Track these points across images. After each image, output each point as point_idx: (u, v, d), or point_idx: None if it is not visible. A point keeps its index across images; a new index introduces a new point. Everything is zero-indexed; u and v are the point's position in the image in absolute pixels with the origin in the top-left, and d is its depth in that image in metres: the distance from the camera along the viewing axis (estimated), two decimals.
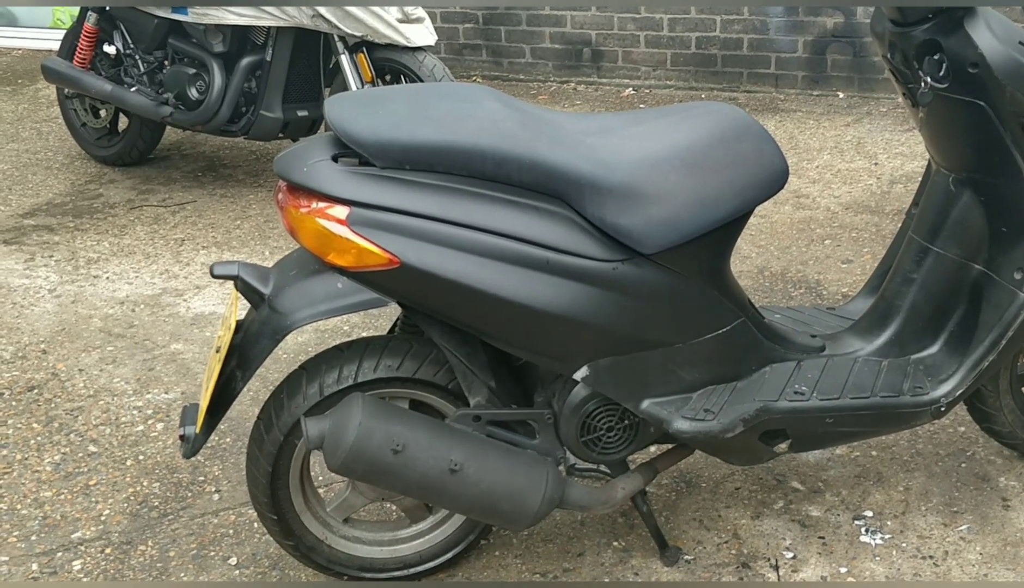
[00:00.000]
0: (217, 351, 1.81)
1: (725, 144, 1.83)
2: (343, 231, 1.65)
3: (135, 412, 2.69)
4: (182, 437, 1.80)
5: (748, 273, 3.35)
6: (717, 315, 1.88)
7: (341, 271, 1.71)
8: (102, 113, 4.59)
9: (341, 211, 1.66)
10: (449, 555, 2.03)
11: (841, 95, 5.27)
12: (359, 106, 1.73)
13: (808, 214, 3.82)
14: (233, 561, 2.13)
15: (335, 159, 1.70)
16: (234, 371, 1.79)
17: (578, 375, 1.81)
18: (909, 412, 1.98)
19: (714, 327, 1.88)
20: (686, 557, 2.09)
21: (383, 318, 3.11)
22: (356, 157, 1.70)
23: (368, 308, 1.73)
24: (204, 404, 1.78)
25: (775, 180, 1.86)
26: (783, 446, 1.97)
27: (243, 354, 1.78)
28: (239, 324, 1.82)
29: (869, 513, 2.20)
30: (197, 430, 1.78)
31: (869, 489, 2.27)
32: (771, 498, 2.25)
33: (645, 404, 1.86)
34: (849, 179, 4.15)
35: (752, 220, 3.71)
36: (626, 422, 1.90)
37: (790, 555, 2.09)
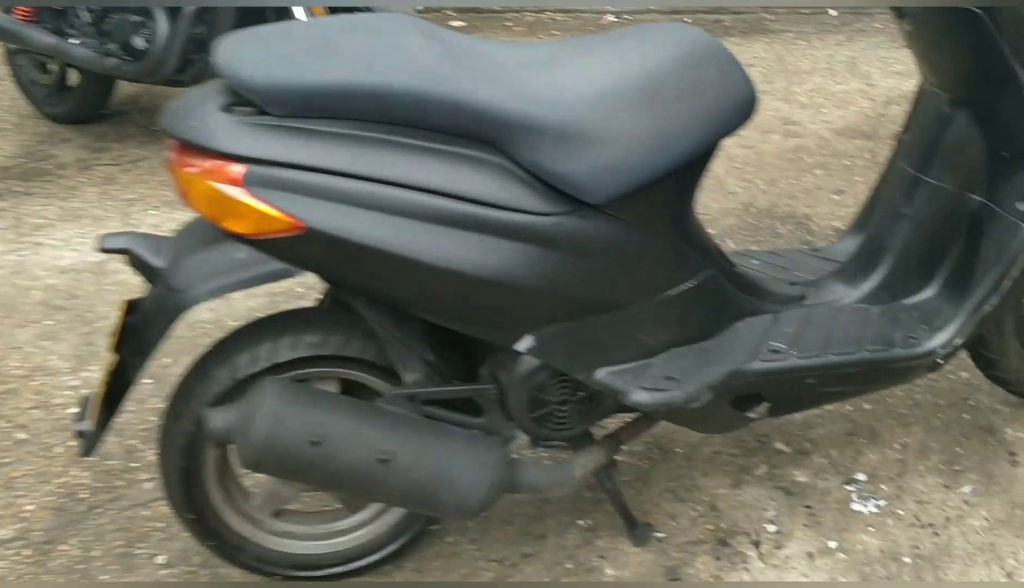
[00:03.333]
0: (112, 335, 1.60)
1: (683, 72, 1.59)
2: (238, 193, 1.43)
3: (69, 393, 2.49)
4: (79, 433, 1.60)
5: (733, 210, 3.12)
6: (680, 268, 1.66)
7: (240, 239, 1.48)
8: (49, 68, 4.34)
9: (235, 170, 1.43)
10: (395, 546, 1.83)
11: (832, 12, 4.98)
12: (253, 46, 1.49)
13: (798, 142, 3.57)
14: (161, 559, 1.94)
15: (227, 109, 1.46)
16: (129, 357, 1.57)
17: (521, 346, 1.59)
18: (902, 366, 1.77)
19: (676, 282, 1.65)
20: (657, 534, 1.89)
21: None
22: (252, 106, 1.47)
23: (275, 279, 1.51)
24: (98, 396, 1.57)
25: (741, 109, 1.62)
26: (761, 410, 1.76)
27: (139, 337, 1.56)
28: (132, 304, 1.60)
29: (861, 476, 2.00)
30: (91, 426, 1.57)
31: (861, 448, 2.07)
32: (752, 463, 2.05)
33: (599, 374, 1.64)
34: (841, 102, 3.90)
35: (738, 151, 3.46)
36: (581, 394, 1.69)
37: (773, 529, 1.89)
